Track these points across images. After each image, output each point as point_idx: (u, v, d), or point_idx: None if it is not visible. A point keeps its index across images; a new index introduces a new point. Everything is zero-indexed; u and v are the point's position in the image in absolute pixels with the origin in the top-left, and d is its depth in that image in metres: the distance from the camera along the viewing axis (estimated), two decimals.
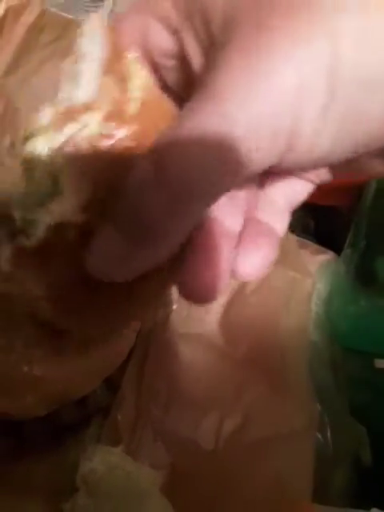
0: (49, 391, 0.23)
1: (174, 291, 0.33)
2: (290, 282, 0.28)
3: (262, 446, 0.24)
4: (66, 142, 0.10)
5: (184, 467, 0.24)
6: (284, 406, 0.25)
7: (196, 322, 0.31)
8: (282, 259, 0.29)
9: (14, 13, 0.31)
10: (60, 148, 0.10)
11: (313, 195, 0.15)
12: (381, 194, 0.32)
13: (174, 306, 0.33)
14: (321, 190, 0.15)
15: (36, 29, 0.32)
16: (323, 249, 0.32)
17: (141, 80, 0.11)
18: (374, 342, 0.29)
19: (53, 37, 0.33)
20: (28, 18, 0.31)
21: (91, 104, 0.11)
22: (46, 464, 0.24)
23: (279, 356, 0.27)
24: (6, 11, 0.30)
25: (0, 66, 0.31)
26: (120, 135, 0.10)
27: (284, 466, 0.23)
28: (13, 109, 0.33)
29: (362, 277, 0.31)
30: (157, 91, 0.12)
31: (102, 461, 0.23)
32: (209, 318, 0.31)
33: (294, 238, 0.30)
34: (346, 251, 0.31)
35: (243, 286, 0.30)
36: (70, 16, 0.33)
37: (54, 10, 0.32)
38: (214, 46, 0.10)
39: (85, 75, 0.11)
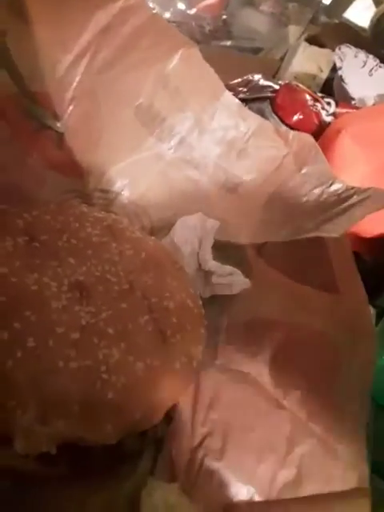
0: (128, 420, 0.22)
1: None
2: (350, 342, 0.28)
3: (316, 501, 0.24)
4: None
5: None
6: (336, 464, 0.26)
7: (246, 359, 0.31)
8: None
9: (124, 13, 0.30)
10: None
11: None
12: None
13: (221, 337, 0.33)
14: None
15: (140, 32, 0.31)
16: None
17: None
18: None
19: (152, 42, 0.32)
20: (136, 20, 0.30)
21: None
22: (101, 493, 0.22)
23: (335, 412, 0.27)
24: (120, 10, 0.29)
25: (98, 62, 0.30)
26: None
27: None
28: (96, 106, 0.32)
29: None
30: None
31: (162, 498, 0.22)
32: (259, 357, 0.30)
33: None
34: None
35: (297, 330, 0.30)
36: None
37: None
38: None
39: None
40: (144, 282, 0.26)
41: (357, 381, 0.26)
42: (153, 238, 0.29)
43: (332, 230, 0.29)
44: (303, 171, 0.34)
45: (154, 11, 0.35)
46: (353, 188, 0.32)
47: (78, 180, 0.34)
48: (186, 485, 0.24)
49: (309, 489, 0.25)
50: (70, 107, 0.31)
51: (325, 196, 0.32)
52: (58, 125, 0.30)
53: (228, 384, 0.29)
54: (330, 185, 0.33)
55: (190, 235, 0.30)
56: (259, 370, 0.30)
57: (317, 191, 0.33)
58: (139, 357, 0.23)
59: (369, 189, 0.31)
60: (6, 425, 0.20)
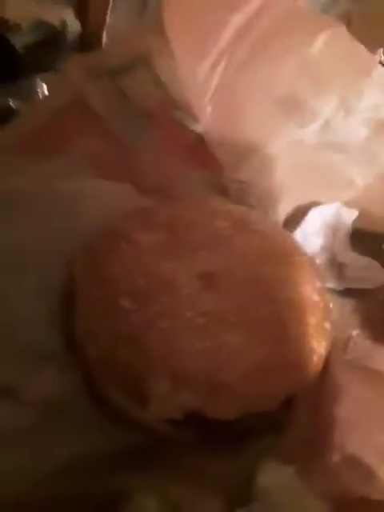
0: (244, 402, 0.24)
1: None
2: None
3: None
4: None
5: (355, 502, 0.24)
6: None
7: (381, 357, 0.29)
8: None
9: (260, 9, 0.30)
10: None
11: None
12: None
13: (355, 332, 0.32)
14: None
15: (278, 22, 0.31)
16: None
17: None
18: None
19: (291, 30, 0.32)
20: (273, 12, 0.30)
21: None
22: (221, 463, 0.25)
23: None
24: (256, 8, 0.30)
25: (235, 63, 0.31)
26: None
27: None
28: (235, 102, 0.33)
29: None
30: None
31: (275, 478, 0.24)
32: None
33: None
34: None
35: None
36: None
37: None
38: None
39: None
40: (269, 273, 0.27)
41: None
42: (282, 229, 0.30)
43: None
44: None
45: None
46: None
47: (217, 174, 0.36)
48: (300, 471, 0.25)
49: None
50: (209, 108, 0.32)
51: None
52: (197, 126, 0.33)
53: (356, 380, 0.28)
54: None
55: (324, 226, 0.30)
56: None
57: None
58: (258, 346, 0.24)
59: None
60: (145, 389, 0.24)
